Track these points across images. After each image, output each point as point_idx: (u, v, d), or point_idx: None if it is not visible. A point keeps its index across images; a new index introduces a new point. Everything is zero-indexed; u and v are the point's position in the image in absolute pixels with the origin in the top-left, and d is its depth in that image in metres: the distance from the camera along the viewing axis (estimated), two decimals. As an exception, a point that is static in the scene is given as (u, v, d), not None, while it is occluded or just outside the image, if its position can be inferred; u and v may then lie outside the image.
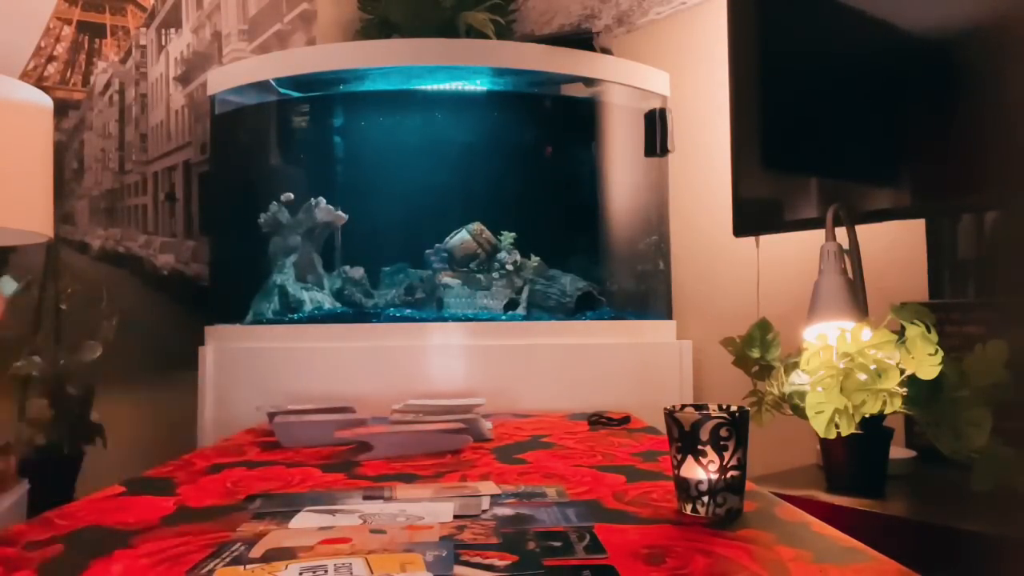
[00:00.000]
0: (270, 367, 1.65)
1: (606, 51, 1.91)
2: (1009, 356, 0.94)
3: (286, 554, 0.57)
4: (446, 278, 1.78)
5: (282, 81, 1.85)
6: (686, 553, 0.56)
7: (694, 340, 1.85)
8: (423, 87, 1.90)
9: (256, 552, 0.58)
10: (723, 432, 0.66)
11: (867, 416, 1.00)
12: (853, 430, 1.00)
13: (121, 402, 1.89)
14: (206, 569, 0.54)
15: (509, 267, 1.80)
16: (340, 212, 1.81)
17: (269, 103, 1.91)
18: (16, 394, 1.66)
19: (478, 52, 1.84)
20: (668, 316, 1.93)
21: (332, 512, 0.70)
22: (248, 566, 0.54)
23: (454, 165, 1.89)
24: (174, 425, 1.87)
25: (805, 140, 1.43)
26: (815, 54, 1.40)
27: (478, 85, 1.91)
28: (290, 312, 1.78)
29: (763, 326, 1.25)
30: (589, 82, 1.89)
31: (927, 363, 0.96)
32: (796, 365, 1.14)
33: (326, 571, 0.52)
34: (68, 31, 2.01)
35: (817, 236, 1.20)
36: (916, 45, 1.25)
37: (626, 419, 1.30)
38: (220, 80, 1.91)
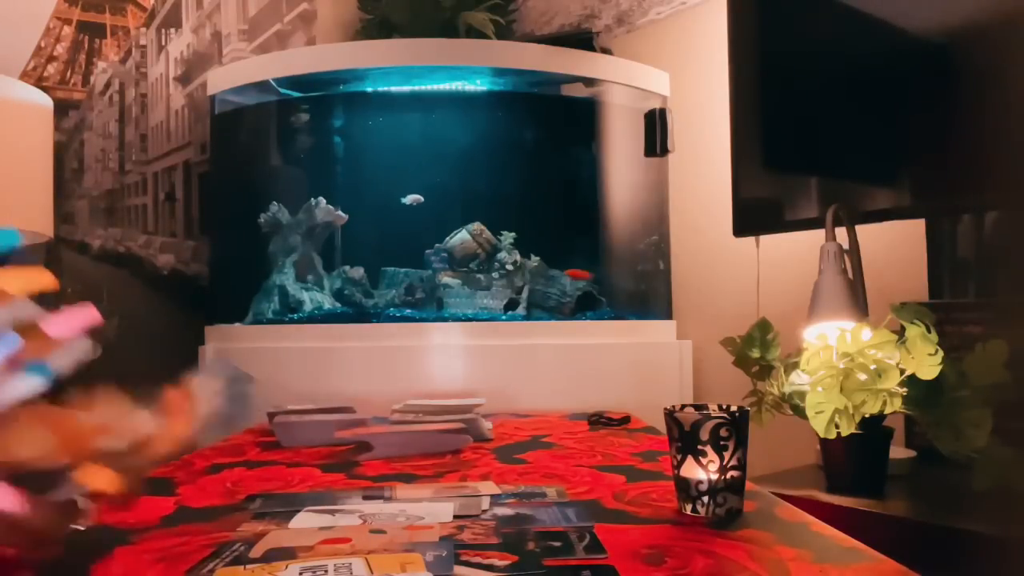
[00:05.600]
0: (270, 367, 1.65)
1: (606, 51, 1.91)
2: (1009, 356, 0.94)
3: (286, 554, 0.57)
4: (446, 278, 1.78)
5: (282, 81, 1.85)
6: (686, 553, 0.56)
7: (694, 340, 1.85)
8: (423, 87, 1.90)
9: (256, 552, 0.58)
10: (723, 432, 0.66)
11: (867, 416, 1.00)
12: (853, 430, 1.00)
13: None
14: (206, 569, 0.54)
15: (509, 267, 1.80)
16: (340, 212, 1.81)
17: (269, 103, 1.91)
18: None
19: (478, 52, 1.84)
20: (668, 316, 1.93)
21: (332, 512, 0.70)
22: (248, 566, 0.54)
23: (454, 165, 1.89)
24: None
25: (805, 140, 1.43)
26: (815, 54, 1.40)
27: (478, 85, 1.91)
28: (290, 312, 1.78)
29: (763, 326, 1.25)
30: (589, 82, 1.89)
31: (927, 363, 0.96)
32: (796, 365, 1.14)
33: (326, 571, 0.52)
34: (68, 31, 2.01)
35: (817, 236, 1.20)
36: (916, 45, 1.25)
37: (626, 419, 1.30)
38: (220, 80, 1.91)
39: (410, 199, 1.65)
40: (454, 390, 1.54)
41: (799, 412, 1.11)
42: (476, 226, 1.82)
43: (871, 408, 0.99)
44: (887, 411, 0.99)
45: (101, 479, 0.46)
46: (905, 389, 0.99)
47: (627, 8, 2.13)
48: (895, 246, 1.46)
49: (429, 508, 0.71)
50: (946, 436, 0.97)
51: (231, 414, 0.52)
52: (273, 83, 1.85)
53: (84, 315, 0.47)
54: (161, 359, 1.97)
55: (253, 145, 1.97)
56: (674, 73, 1.93)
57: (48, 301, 0.47)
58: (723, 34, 1.55)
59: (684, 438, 0.67)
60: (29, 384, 0.44)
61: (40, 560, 0.54)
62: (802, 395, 1.08)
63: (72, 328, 0.46)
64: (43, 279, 0.46)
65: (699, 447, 0.66)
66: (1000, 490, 0.91)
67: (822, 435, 1.01)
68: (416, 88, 1.90)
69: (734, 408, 0.69)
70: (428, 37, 2.08)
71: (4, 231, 0.48)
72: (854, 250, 1.23)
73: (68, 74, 2.01)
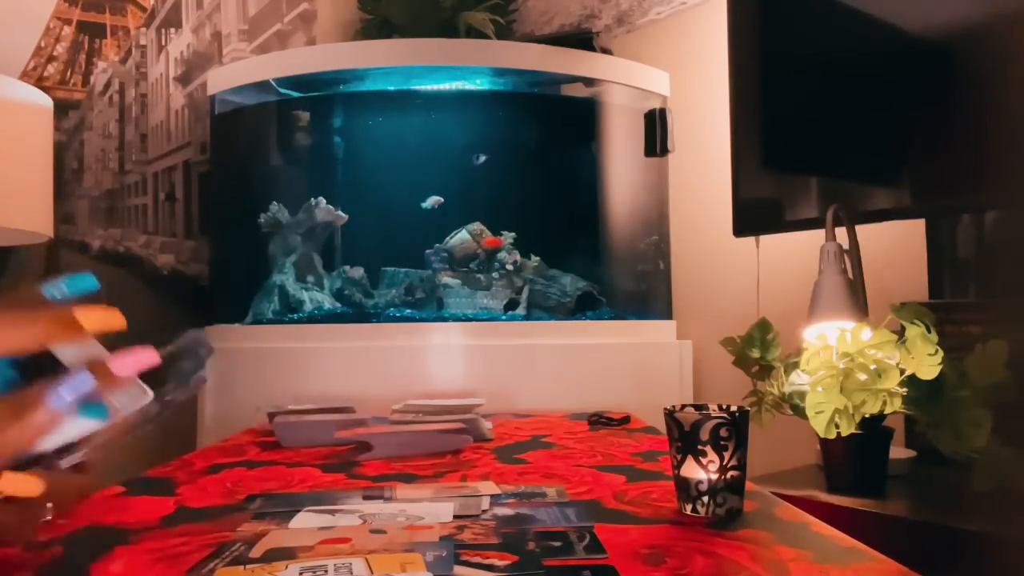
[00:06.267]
0: (270, 367, 1.65)
1: (606, 51, 1.91)
2: (1009, 356, 0.94)
3: (286, 554, 0.57)
4: (446, 278, 1.78)
5: (282, 81, 1.85)
6: (686, 553, 0.56)
7: (694, 340, 1.85)
8: (423, 87, 1.90)
9: (256, 552, 0.58)
10: (723, 432, 0.66)
11: (867, 416, 1.00)
12: (853, 430, 1.00)
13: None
14: (206, 569, 0.54)
15: (509, 267, 1.80)
16: (340, 212, 1.81)
17: (269, 103, 1.91)
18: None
19: (478, 52, 1.84)
20: (668, 316, 1.93)
21: (332, 512, 0.70)
22: (248, 566, 0.54)
23: (454, 165, 1.89)
24: (174, 425, 1.87)
25: (805, 140, 1.43)
26: (815, 54, 1.40)
27: (478, 85, 1.91)
28: (290, 312, 1.78)
29: (763, 326, 1.25)
30: (589, 82, 1.89)
31: (927, 363, 0.96)
32: (796, 365, 1.14)
33: (326, 571, 0.52)
34: (68, 31, 2.01)
35: (817, 236, 1.20)
36: (916, 45, 1.25)
37: (626, 419, 1.30)
38: (220, 80, 1.91)
39: (430, 201, 1.66)
40: (454, 390, 1.54)
41: (799, 412, 1.11)
42: (476, 226, 1.82)
43: (871, 408, 0.99)
44: (887, 411, 0.99)
45: (20, 484, 0.45)
46: (905, 389, 0.99)
47: (627, 8, 2.13)
48: (895, 246, 1.46)
49: (429, 508, 0.71)
50: (946, 436, 0.97)
51: (184, 373, 0.51)
52: (273, 83, 1.85)
53: (145, 358, 0.47)
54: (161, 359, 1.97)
55: (253, 145, 1.97)
56: (674, 73, 1.93)
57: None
58: (723, 34, 1.55)
59: (684, 438, 0.67)
60: (86, 424, 0.45)
61: (40, 560, 0.54)
62: (802, 395, 1.08)
63: (134, 370, 0.47)
64: (114, 320, 0.46)
65: (699, 447, 0.66)
66: (1000, 490, 0.91)
67: (822, 435, 1.02)
68: (416, 88, 1.90)
69: (734, 408, 0.69)
70: (428, 37, 2.08)
71: (82, 276, 0.48)
72: (854, 250, 1.23)
73: (68, 74, 2.01)
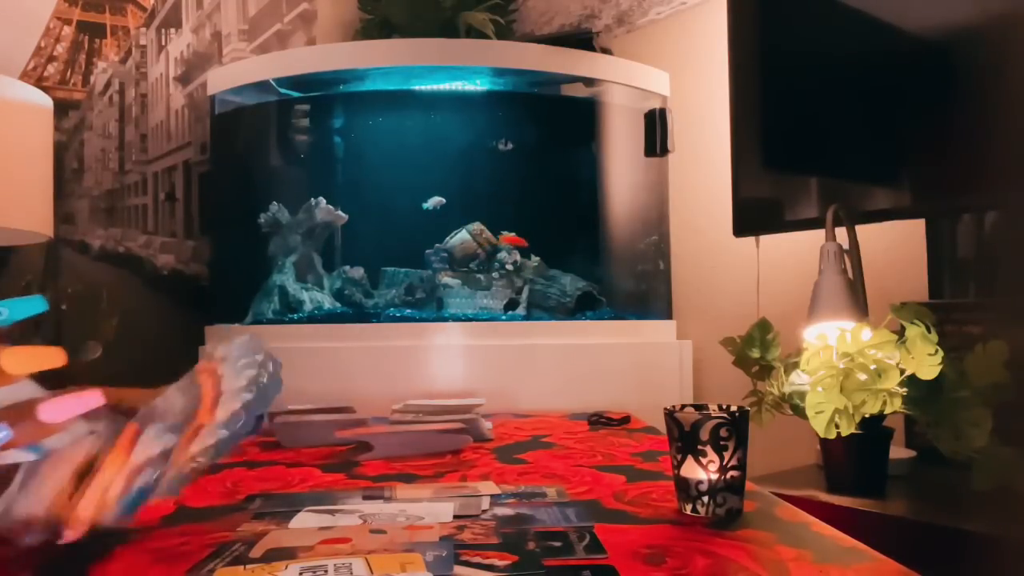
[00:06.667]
0: (270, 367, 1.65)
1: (606, 51, 1.91)
2: (1009, 356, 0.94)
3: (286, 554, 0.57)
4: (446, 278, 1.78)
5: (282, 81, 1.85)
6: (686, 553, 0.56)
7: (694, 340, 1.85)
8: (423, 87, 1.90)
9: (256, 552, 0.58)
10: (723, 432, 0.66)
11: (867, 416, 1.00)
12: (853, 430, 1.00)
13: (121, 402, 1.89)
14: (206, 569, 0.54)
15: (509, 267, 1.80)
16: (340, 212, 1.81)
17: (269, 103, 1.91)
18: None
19: (478, 52, 1.84)
20: (668, 316, 1.93)
21: (332, 512, 0.70)
22: (248, 566, 0.54)
23: (454, 165, 1.88)
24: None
25: (805, 140, 1.43)
26: (815, 54, 1.40)
27: (478, 85, 1.91)
28: (290, 312, 1.78)
29: (763, 326, 1.25)
30: (589, 82, 1.89)
31: (927, 363, 0.96)
32: (796, 365, 1.14)
33: (326, 571, 0.52)
34: (68, 31, 2.01)
35: (817, 236, 1.20)
36: (916, 45, 1.25)
37: (626, 419, 1.30)
38: (220, 80, 1.91)
39: (432, 202, 1.66)
40: (454, 390, 1.54)
41: (799, 412, 1.11)
42: (476, 226, 1.82)
43: (871, 408, 0.99)
44: (887, 411, 0.99)
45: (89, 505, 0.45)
46: (905, 389, 0.99)
47: (627, 8, 2.13)
48: (895, 246, 1.46)
49: (429, 508, 0.71)
50: (946, 436, 0.97)
51: (258, 407, 0.52)
52: (273, 83, 1.85)
53: (87, 399, 0.47)
54: (161, 359, 1.98)
55: (253, 145, 1.97)
56: (674, 73, 1.93)
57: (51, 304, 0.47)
58: (723, 34, 1.55)
59: (684, 438, 0.67)
60: (21, 458, 0.44)
61: (40, 560, 0.54)
62: (802, 395, 1.08)
63: (70, 413, 0.46)
64: (51, 357, 0.46)
65: (699, 447, 0.66)
66: (1000, 490, 0.91)
67: (822, 435, 1.02)
68: (416, 88, 1.90)
69: (734, 408, 0.69)
70: (428, 37, 2.08)
71: (28, 299, 0.48)
72: (854, 250, 1.23)
73: (68, 74, 2.01)
